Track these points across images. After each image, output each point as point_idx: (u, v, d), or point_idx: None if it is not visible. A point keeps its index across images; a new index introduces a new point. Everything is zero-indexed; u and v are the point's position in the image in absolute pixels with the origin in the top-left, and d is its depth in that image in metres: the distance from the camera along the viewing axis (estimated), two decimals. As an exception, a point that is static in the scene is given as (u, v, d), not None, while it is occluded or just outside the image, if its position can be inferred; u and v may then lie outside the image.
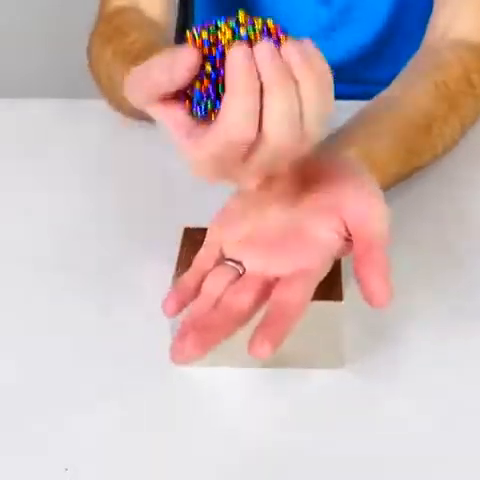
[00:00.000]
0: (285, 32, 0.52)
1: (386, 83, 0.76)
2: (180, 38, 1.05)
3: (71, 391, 0.57)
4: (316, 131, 0.52)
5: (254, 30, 0.51)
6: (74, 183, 0.78)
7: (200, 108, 0.52)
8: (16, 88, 1.27)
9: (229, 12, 0.53)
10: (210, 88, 0.52)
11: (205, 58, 0.51)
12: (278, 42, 0.51)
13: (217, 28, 0.52)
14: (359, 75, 0.97)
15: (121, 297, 0.64)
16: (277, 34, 0.52)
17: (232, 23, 0.52)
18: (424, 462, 0.53)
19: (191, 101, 0.53)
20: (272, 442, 0.54)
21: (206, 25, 0.52)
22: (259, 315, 0.54)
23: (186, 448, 0.53)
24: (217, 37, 0.52)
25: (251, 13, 0.52)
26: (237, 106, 0.49)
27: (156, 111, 0.54)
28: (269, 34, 0.51)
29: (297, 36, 0.51)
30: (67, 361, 0.59)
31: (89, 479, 0.52)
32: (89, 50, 0.85)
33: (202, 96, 0.52)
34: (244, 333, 0.53)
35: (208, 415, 0.56)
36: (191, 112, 0.53)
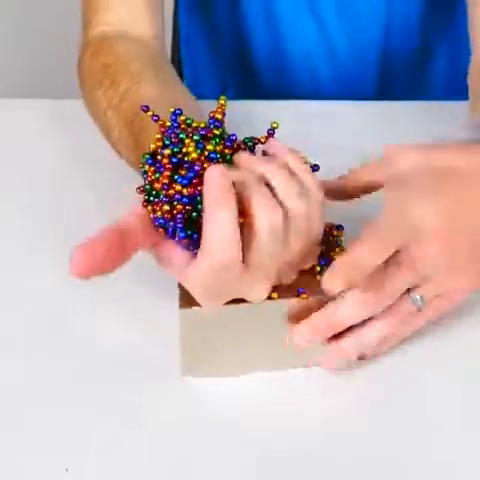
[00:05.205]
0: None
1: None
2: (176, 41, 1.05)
3: (72, 392, 0.57)
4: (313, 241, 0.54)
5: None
6: (72, 183, 0.78)
7: (174, 236, 0.52)
8: (13, 88, 1.27)
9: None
10: (178, 217, 0.51)
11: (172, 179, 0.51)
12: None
13: (181, 141, 0.52)
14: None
15: (126, 304, 0.64)
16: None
17: (196, 136, 0.52)
18: (426, 462, 0.53)
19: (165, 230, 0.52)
20: (284, 446, 0.54)
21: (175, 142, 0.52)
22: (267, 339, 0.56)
23: (186, 449, 0.54)
24: (183, 152, 0.52)
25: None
26: (218, 233, 0.49)
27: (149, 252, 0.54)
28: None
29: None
30: (69, 362, 0.59)
31: None
32: (80, 81, 0.81)
33: (167, 222, 0.51)
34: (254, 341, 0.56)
35: (216, 420, 0.56)
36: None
